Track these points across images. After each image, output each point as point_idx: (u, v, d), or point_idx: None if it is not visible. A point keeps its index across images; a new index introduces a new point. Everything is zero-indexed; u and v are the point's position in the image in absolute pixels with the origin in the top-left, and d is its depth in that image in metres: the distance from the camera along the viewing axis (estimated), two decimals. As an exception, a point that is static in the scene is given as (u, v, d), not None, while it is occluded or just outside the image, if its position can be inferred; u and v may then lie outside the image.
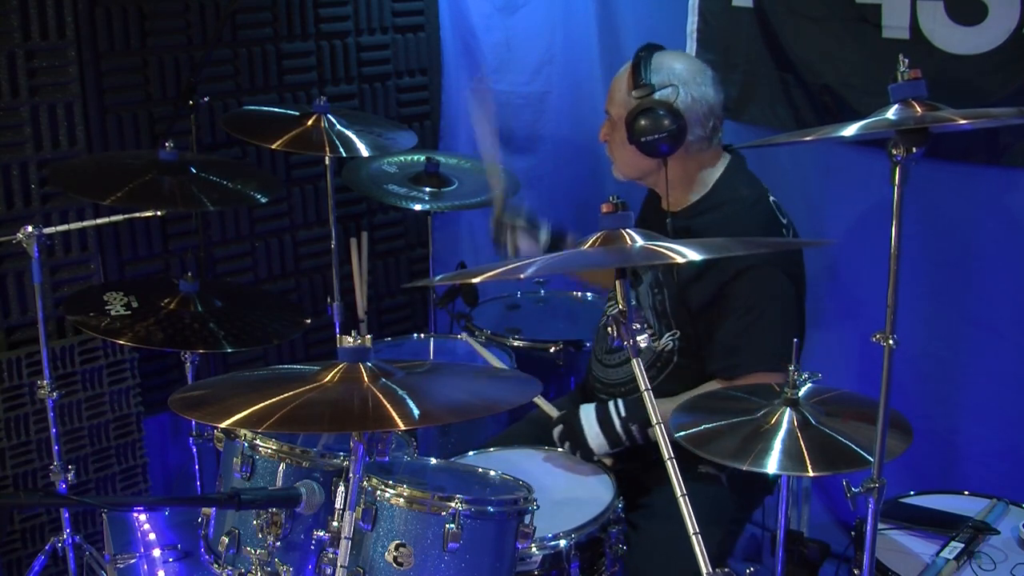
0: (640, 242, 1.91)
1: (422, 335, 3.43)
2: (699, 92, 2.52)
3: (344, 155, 2.94)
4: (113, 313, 2.71)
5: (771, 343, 2.43)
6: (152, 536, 2.70)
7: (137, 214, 2.84)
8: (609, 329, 1.88)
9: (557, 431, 2.57)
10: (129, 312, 2.73)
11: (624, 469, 2.54)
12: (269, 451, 2.13)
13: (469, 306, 3.43)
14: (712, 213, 2.56)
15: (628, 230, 1.93)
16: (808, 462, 1.94)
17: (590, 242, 1.94)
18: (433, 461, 2.30)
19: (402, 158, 3.57)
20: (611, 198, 1.97)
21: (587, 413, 2.54)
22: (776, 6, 3.03)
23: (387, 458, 1.90)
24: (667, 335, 2.58)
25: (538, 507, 2.05)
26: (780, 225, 2.58)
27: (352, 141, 2.97)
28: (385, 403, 1.76)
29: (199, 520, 2.26)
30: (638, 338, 1.86)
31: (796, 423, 2.02)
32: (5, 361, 3.09)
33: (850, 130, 1.84)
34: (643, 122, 2.46)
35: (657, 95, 2.48)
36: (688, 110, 2.49)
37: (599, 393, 2.73)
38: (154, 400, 3.42)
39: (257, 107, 3.49)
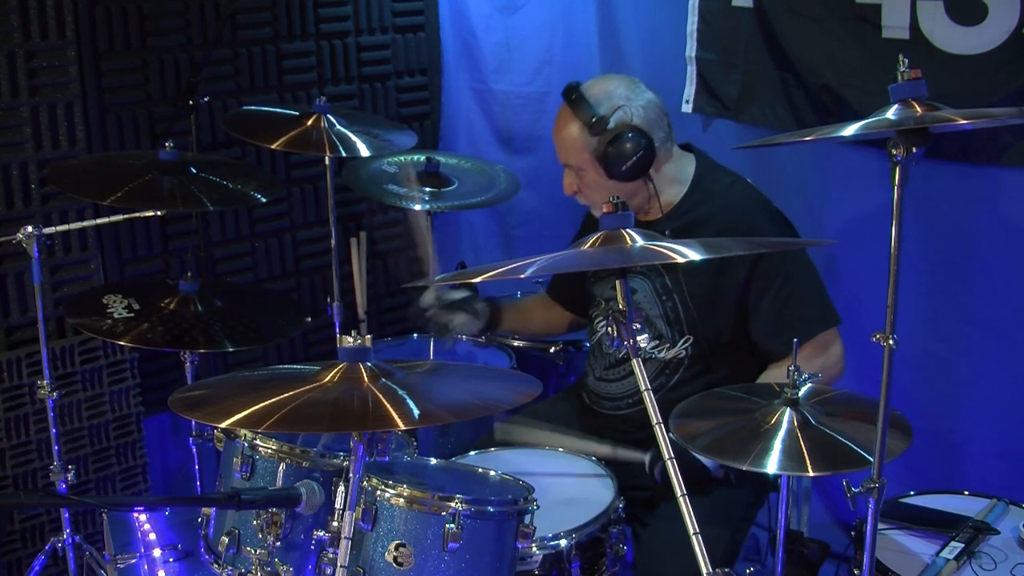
0: (640, 242, 1.91)
1: (422, 335, 3.42)
2: (643, 100, 2.54)
3: (344, 155, 2.94)
4: (116, 316, 2.71)
5: (818, 302, 2.54)
6: (152, 536, 2.71)
7: (137, 214, 2.83)
8: (609, 329, 1.89)
9: (658, 468, 2.40)
10: (132, 315, 2.73)
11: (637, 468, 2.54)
12: (269, 451, 2.13)
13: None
14: (707, 204, 2.58)
15: (628, 230, 1.93)
16: (808, 462, 1.94)
17: (590, 242, 1.95)
18: (433, 461, 2.30)
19: (402, 158, 3.57)
20: (611, 198, 1.98)
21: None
22: (776, 6, 3.03)
23: (387, 458, 1.90)
24: (680, 342, 2.58)
25: (538, 507, 2.05)
26: (766, 198, 2.62)
27: (352, 141, 2.97)
28: (385, 403, 1.76)
29: (199, 520, 2.26)
30: (638, 338, 1.87)
31: (796, 423, 2.02)
32: (5, 361, 3.09)
33: (850, 130, 1.84)
34: (616, 151, 2.47)
35: (612, 123, 2.49)
36: (644, 121, 2.51)
37: (602, 409, 2.74)
38: (154, 400, 3.42)
39: (257, 107, 3.49)
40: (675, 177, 2.62)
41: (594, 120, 2.49)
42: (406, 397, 1.79)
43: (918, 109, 1.78)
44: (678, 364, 2.60)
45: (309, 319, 2.96)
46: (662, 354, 2.60)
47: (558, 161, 2.64)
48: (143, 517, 2.75)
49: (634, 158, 2.47)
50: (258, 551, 2.09)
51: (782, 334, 2.47)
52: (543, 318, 3.11)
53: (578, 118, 2.52)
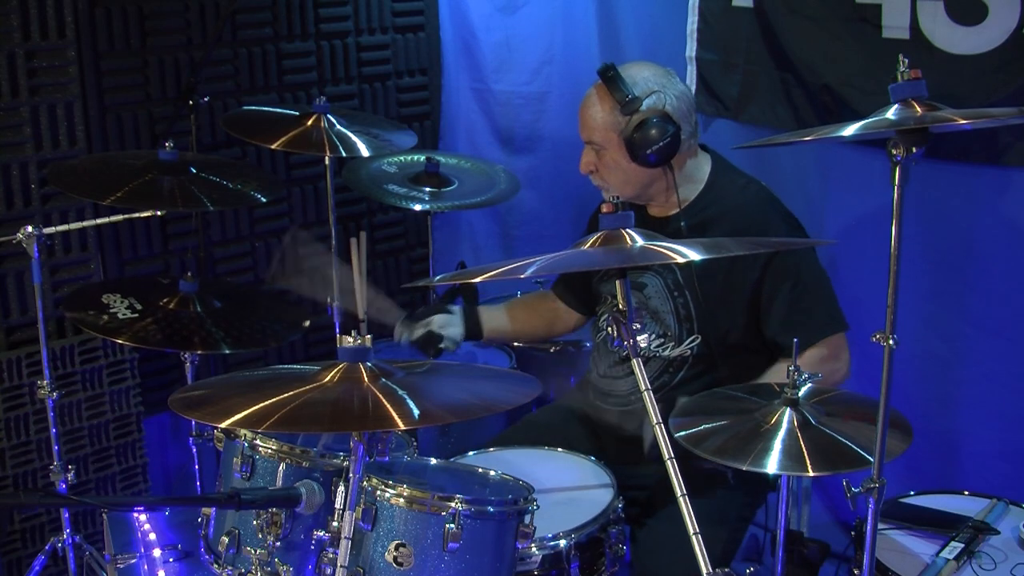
0: (640, 242, 1.91)
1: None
2: (678, 91, 2.55)
3: (344, 155, 2.94)
4: (120, 316, 2.71)
5: (828, 306, 2.55)
6: (152, 536, 2.70)
7: (137, 214, 2.84)
8: (609, 329, 1.89)
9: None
10: (136, 315, 2.73)
11: (634, 468, 2.54)
12: (269, 451, 2.13)
13: (469, 306, 3.42)
14: (721, 203, 2.59)
15: (628, 230, 1.93)
16: (808, 462, 1.95)
17: (590, 242, 1.95)
18: (433, 461, 2.30)
19: (402, 158, 3.57)
20: (611, 198, 1.98)
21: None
22: (776, 6, 3.03)
23: (387, 458, 1.90)
24: (687, 341, 2.59)
25: (538, 507, 2.05)
26: (779, 200, 2.63)
27: (352, 141, 2.96)
28: (385, 403, 1.76)
29: (199, 520, 2.26)
30: (638, 338, 1.87)
31: (796, 423, 2.02)
32: (5, 361, 3.09)
33: (850, 130, 1.84)
34: (643, 134, 2.47)
35: (644, 106, 2.49)
36: (675, 111, 2.51)
37: (605, 404, 2.74)
38: (154, 400, 3.42)
39: (257, 107, 3.49)
40: (693, 174, 2.62)
41: (628, 99, 2.48)
42: (406, 397, 1.79)
43: (918, 109, 1.78)
44: (682, 362, 2.60)
45: (307, 323, 2.95)
46: (666, 352, 2.60)
47: (580, 137, 2.61)
48: (143, 517, 2.75)
49: (660, 143, 2.46)
50: (258, 551, 2.09)
51: (792, 332, 2.47)
52: (541, 319, 3.08)
53: (612, 95, 2.50)
